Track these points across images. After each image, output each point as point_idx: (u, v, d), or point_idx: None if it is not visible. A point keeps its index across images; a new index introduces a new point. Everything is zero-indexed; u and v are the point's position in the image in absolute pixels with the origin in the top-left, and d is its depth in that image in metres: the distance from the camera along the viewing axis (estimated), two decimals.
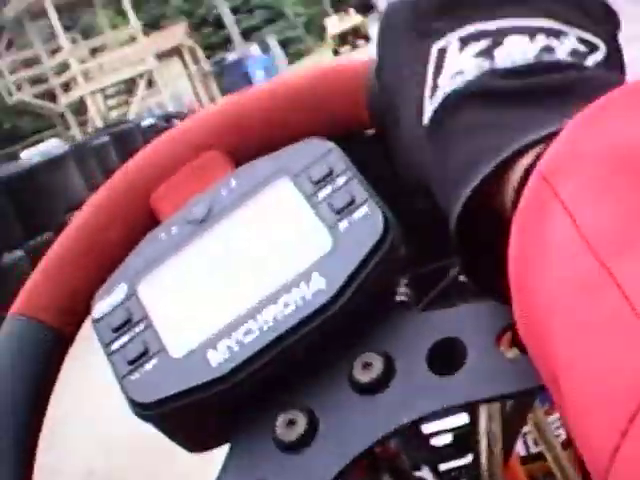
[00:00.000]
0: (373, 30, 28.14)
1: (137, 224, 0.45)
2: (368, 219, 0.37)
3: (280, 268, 0.37)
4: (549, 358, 0.24)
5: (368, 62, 0.44)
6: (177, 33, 27.67)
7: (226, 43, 29.51)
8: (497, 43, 0.34)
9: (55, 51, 21.50)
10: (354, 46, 27.69)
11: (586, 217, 0.23)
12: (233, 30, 25.53)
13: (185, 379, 0.36)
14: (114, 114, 21.79)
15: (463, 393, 0.34)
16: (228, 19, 25.53)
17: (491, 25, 0.35)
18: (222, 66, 26.22)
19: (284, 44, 34.60)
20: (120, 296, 0.40)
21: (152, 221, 0.43)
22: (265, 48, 26.73)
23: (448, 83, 0.35)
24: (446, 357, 0.35)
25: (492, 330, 0.34)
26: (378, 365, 0.35)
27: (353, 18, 28.61)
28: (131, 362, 0.37)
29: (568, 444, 0.78)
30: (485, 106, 0.33)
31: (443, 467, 0.69)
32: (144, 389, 0.36)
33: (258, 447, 0.36)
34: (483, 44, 0.35)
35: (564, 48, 0.34)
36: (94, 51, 22.71)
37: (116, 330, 0.39)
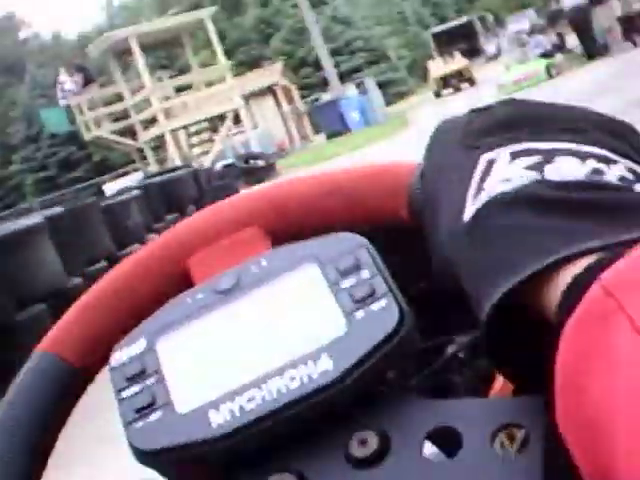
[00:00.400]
0: (478, 74, 26.26)
1: (170, 284, 0.46)
2: (384, 311, 0.38)
3: (292, 345, 0.39)
4: (601, 454, 0.26)
5: (413, 165, 0.46)
6: (272, 72, 26.49)
7: (324, 84, 27.90)
8: (548, 160, 0.35)
9: (139, 89, 20.92)
10: (457, 89, 26.64)
11: None
12: (330, 70, 24.47)
13: (185, 434, 0.37)
14: (196, 151, 21.09)
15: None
16: (325, 59, 24.47)
17: (543, 145, 0.36)
18: (316, 106, 25.40)
19: (385, 85, 33.09)
20: (139, 349, 0.41)
21: (185, 284, 0.45)
22: (363, 89, 25.57)
23: (495, 187, 0.35)
24: (441, 445, 0.37)
25: (490, 426, 0.35)
26: (374, 442, 0.36)
27: (457, 61, 27.57)
28: (138, 410, 0.39)
29: None
30: (533, 211, 0.33)
31: None
32: (146, 438, 0.38)
33: None
34: (534, 159, 0.35)
35: (613, 173, 0.35)
36: (180, 90, 21.98)
37: (129, 379, 0.40)
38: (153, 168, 20.41)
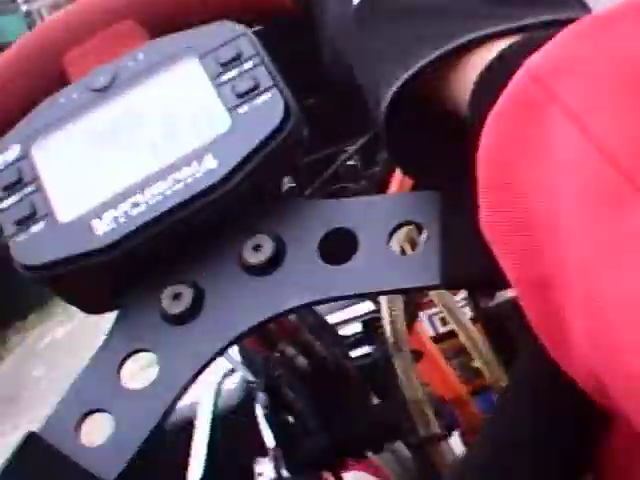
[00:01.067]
0: None
1: (45, 83, 0.45)
2: (269, 105, 0.38)
3: (174, 145, 0.38)
4: (541, 259, 0.24)
5: None
6: None
7: None
8: None
9: None
10: None
11: (599, 126, 0.23)
12: None
13: (69, 246, 0.37)
14: None
15: (351, 285, 0.35)
16: None
17: None
18: None
19: None
20: (13, 155, 0.40)
21: (60, 83, 0.44)
22: None
23: None
24: (337, 248, 0.37)
25: (386, 225, 0.36)
26: (268, 247, 0.36)
27: None
28: (18, 222, 0.38)
29: (475, 320, 0.85)
30: None
31: (355, 354, 0.71)
32: (30, 252, 0.38)
33: (143, 318, 0.37)
34: None
35: None
36: None
37: (5, 189, 0.39)
38: None
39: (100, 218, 0.37)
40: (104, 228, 0.37)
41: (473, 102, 0.28)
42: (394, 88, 0.30)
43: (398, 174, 0.78)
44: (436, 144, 0.33)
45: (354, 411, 0.65)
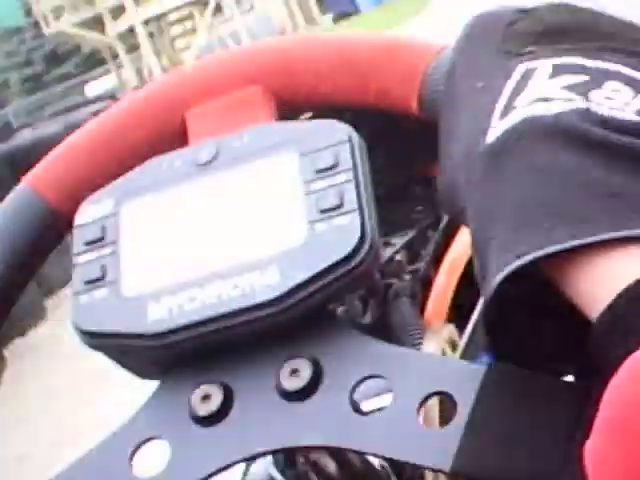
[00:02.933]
0: None
1: (165, 134, 0.48)
2: (345, 230, 0.39)
3: (246, 245, 0.40)
4: None
5: (435, 48, 0.44)
6: None
7: None
8: (595, 83, 0.32)
9: None
10: None
11: None
12: None
13: (121, 322, 0.39)
14: (179, 44, 19.51)
15: (371, 443, 0.36)
16: None
17: (592, 63, 0.33)
18: None
19: None
20: (104, 211, 0.43)
21: (180, 136, 0.47)
22: None
23: (528, 107, 0.32)
24: (369, 391, 0.38)
25: (420, 389, 0.36)
26: (305, 375, 0.37)
27: None
28: (87, 282, 0.41)
29: None
30: (574, 152, 0.30)
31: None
32: (86, 316, 0.40)
33: (170, 409, 0.39)
34: (579, 79, 0.32)
35: None
36: None
37: (88, 244, 0.42)
38: (128, 71, 19.18)
39: (157, 302, 0.39)
40: (156, 315, 0.39)
41: (610, 320, 0.27)
42: (512, 266, 0.29)
43: (443, 270, 0.81)
44: (536, 320, 0.33)
45: None
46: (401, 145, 0.55)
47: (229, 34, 18.90)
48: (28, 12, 20.60)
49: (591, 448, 0.26)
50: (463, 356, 0.74)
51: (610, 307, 0.27)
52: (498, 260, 0.30)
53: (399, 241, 0.75)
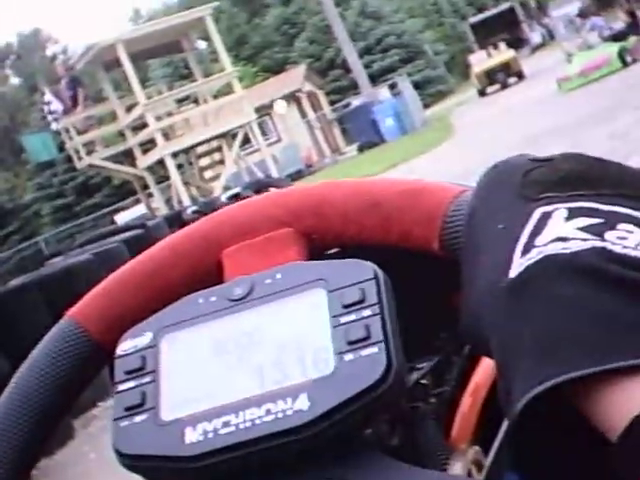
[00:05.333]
0: (525, 66, 25.63)
1: (202, 272, 0.51)
2: (372, 359, 0.41)
3: (277, 374, 0.42)
4: None
5: (455, 190, 0.47)
6: (294, 77, 26.18)
7: (354, 87, 27.86)
8: (610, 225, 0.34)
9: (132, 107, 19.35)
10: (504, 85, 25.94)
11: None
12: (360, 71, 24.04)
13: (159, 446, 0.41)
14: (208, 174, 19.94)
15: None
16: (354, 59, 23.99)
17: (605, 207, 0.35)
18: (346, 113, 25.15)
19: (421, 85, 32.74)
20: (144, 342, 0.45)
21: (216, 274, 0.50)
22: (397, 91, 25.16)
23: (548, 246, 0.34)
24: None
25: None
26: None
27: (502, 52, 26.97)
28: (127, 409, 0.43)
29: None
30: (593, 286, 0.32)
31: None
32: (126, 440, 0.42)
33: None
34: (594, 221, 0.34)
35: None
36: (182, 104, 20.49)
37: (128, 373, 0.44)
38: (158, 200, 19.53)
39: (194, 428, 0.41)
40: (193, 438, 0.41)
41: (629, 441, 0.29)
42: (535, 391, 0.31)
43: (468, 393, 0.84)
44: (562, 453, 0.35)
45: None
46: (425, 279, 0.57)
47: (256, 163, 19.27)
48: (61, 147, 21.06)
49: None
50: (488, 477, 0.76)
51: (627, 429, 0.29)
52: (522, 386, 0.31)
53: (425, 366, 0.78)
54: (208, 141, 19.26)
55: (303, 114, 25.99)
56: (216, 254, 0.51)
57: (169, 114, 19.00)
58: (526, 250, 0.35)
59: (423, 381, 0.78)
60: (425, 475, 0.40)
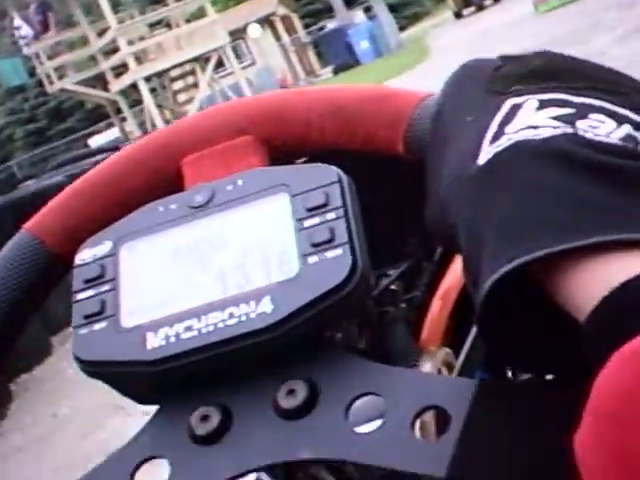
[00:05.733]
0: None
1: (161, 181, 0.50)
2: (337, 261, 0.40)
3: (240, 278, 0.42)
4: None
5: (419, 95, 0.47)
6: (268, 1, 25.85)
7: (329, 11, 27.35)
8: (580, 115, 0.34)
9: (104, 31, 19.16)
10: (480, 7, 25.41)
11: None
12: None
13: (121, 351, 0.41)
14: (182, 98, 19.80)
15: (367, 455, 0.37)
16: None
17: (577, 99, 0.35)
18: (321, 36, 24.72)
19: (397, 8, 32.35)
20: (103, 251, 0.45)
21: (176, 182, 0.49)
22: (372, 14, 24.56)
23: (518, 133, 0.34)
24: (365, 409, 0.40)
25: (414, 403, 0.38)
26: (301, 395, 0.39)
27: None
28: (86, 317, 0.43)
29: None
30: (564, 169, 0.31)
31: None
32: (86, 347, 0.42)
33: (169, 429, 0.41)
34: (565, 111, 0.34)
35: None
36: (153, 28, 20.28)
37: (87, 282, 0.44)
38: (131, 124, 19.46)
39: (155, 333, 0.41)
40: (154, 343, 0.41)
41: (596, 322, 0.28)
42: (503, 270, 0.30)
43: (438, 297, 0.84)
44: (531, 325, 0.34)
45: None
46: (393, 187, 0.57)
47: (230, 86, 19.13)
48: (32, 72, 20.87)
49: (580, 438, 0.27)
50: (459, 376, 0.77)
51: (595, 310, 0.29)
52: (489, 267, 0.31)
53: (395, 272, 0.78)
54: (181, 65, 19.07)
55: (277, 38, 25.67)
56: (176, 162, 0.50)
57: (141, 38, 18.80)
58: (495, 138, 0.34)
59: (393, 287, 0.78)
60: (391, 370, 0.40)
